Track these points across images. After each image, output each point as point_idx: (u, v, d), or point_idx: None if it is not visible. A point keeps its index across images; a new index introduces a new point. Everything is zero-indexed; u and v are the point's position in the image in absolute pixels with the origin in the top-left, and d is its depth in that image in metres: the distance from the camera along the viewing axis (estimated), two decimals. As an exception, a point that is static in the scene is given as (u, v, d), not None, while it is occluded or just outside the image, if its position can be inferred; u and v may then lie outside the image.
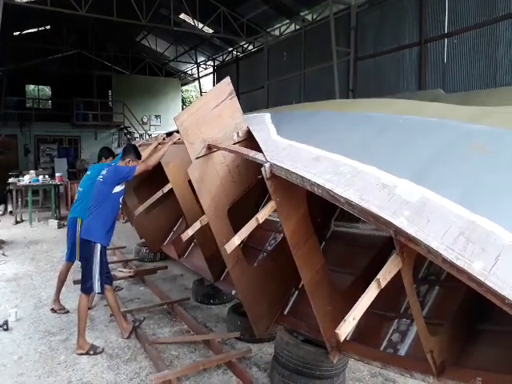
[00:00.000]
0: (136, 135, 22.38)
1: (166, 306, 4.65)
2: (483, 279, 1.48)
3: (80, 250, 4.06)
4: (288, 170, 2.36)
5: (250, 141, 3.22)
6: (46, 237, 8.46)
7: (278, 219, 4.66)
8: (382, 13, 12.29)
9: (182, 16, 18.53)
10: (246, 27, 17.34)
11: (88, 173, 4.77)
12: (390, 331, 2.86)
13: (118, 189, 3.82)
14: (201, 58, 23.81)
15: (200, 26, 17.98)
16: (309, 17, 15.69)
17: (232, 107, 3.33)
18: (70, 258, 4.65)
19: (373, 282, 1.93)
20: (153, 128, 23.83)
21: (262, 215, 2.62)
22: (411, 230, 1.71)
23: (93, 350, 3.66)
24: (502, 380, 1.98)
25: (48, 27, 20.24)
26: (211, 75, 24.33)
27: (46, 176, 11.13)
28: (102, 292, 3.82)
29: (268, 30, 17.88)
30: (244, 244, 4.30)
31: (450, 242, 1.63)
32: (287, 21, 16.77)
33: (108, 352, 3.68)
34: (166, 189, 4.85)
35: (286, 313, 3.53)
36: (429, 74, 11.01)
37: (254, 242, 4.45)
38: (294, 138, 2.94)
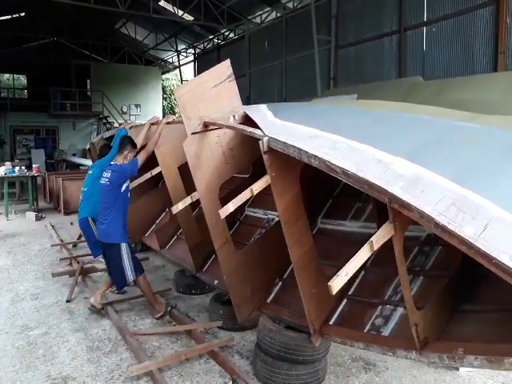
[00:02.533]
0: (116, 125, 21.97)
1: (148, 297, 4.60)
2: (473, 241, 1.58)
3: (106, 254, 4.14)
4: (285, 143, 2.44)
5: (246, 125, 3.22)
6: (23, 230, 8.28)
7: (263, 216, 4.72)
8: (362, 1, 12.28)
9: (162, 3, 18.16)
10: (226, 14, 17.10)
11: (90, 172, 4.85)
12: (374, 316, 2.90)
13: (125, 186, 3.93)
14: (181, 46, 23.44)
15: (180, 13, 17.65)
16: (290, 4, 15.56)
17: (230, 90, 3.37)
18: (97, 254, 4.77)
19: (366, 244, 2.02)
20: (133, 117, 23.42)
21: (257, 187, 2.71)
22: (405, 197, 1.81)
23: (170, 307, 4.14)
24: (482, 348, 2.02)
25: (22, 14, 19.56)
26: (192, 63, 24.00)
27: (23, 167, 10.85)
28: (135, 280, 4.05)
29: (249, 17, 17.69)
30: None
31: (442, 210, 1.72)
32: (268, 8, 16.61)
33: (88, 345, 3.63)
34: (154, 171, 4.80)
35: (268, 301, 3.55)
36: (408, 62, 11.09)
37: (241, 237, 4.48)
38: (291, 121, 2.99)
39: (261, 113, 3.20)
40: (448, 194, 1.82)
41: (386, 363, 3.34)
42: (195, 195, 3.46)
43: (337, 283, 2.00)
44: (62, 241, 7.20)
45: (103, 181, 3.96)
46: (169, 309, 4.17)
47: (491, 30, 9.26)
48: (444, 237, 1.68)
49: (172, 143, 4.41)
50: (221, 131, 3.30)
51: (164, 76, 29.04)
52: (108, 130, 21.58)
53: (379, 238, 2.05)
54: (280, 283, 3.63)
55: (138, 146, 4.24)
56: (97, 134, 21.83)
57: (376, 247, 2.04)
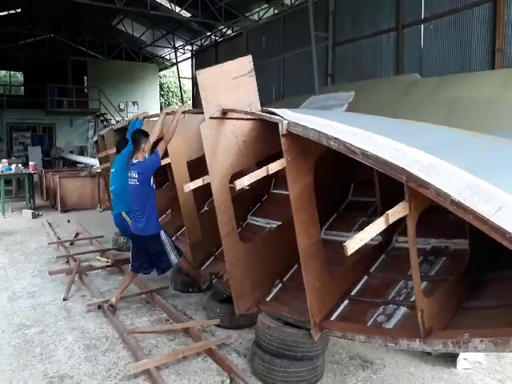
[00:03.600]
0: (113, 122, 21.89)
1: (145, 295, 4.60)
2: (488, 217, 1.67)
3: (148, 246, 4.20)
4: (305, 127, 2.54)
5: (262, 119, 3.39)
6: (20, 227, 8.24)
7: (266, 225, 4.75)
8: (360, -2, 12.24)
9: (159, -1, 18.06)
10: (224, 11, 17.02)
11: (112, 170, 4.84)
12: (376, 314, 2.91)
13: (152, 179, 4.07)
14: (179, 43, 23.33)
15: (177, 9, 17.57)
16: (287, 1, 15.50)
17: (249, 85, 3.44)
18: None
19: (382, 216, 2.08)
20: (130, 114, 23.33)
21: (273, 167, 2.81)
22: (422, 176, 1.92)
23: (213, 275, 4.28)
24: (488, 332, 2.02)
25: (19, 10, 19.42)
26: (189, 60, 23.91)
27: (19, 165, 10.79)
28: (179, 262, 4.27)
29: (247, 14, 17.61)
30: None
31: (458, 191, 1.81)
32: (266, 5, 16.54)
33: (85, 343, 3.62)
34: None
35: (267, 300, 3.56)
36: (406, 59, 11.07)
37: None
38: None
39: (278, 110, 3.24)
40: (463, 180, 1.92)
41: (384, 361, 3.34)
42: (207, 178, 3.49)
43: (352, 245, 2.03)
44: (59, 239, 7.17)
45: (132, 182, 4.04)
46: (213, 277, 4.31)
47: (488, 27, 9.24)
48: (459, 213, 1.76)
49: (183, 137, 4.43)
50: (237, 122, 3.36)
51: (161, 73, 28.94)
52: (105, 127, 21.50)
53: (395, 212, 2.09)
54: (280, 285, 3.63)
55: (155, 137, 4.28)
56: (94, 131, 21.74)
57: (391, 220, 2.08)
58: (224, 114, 3.28)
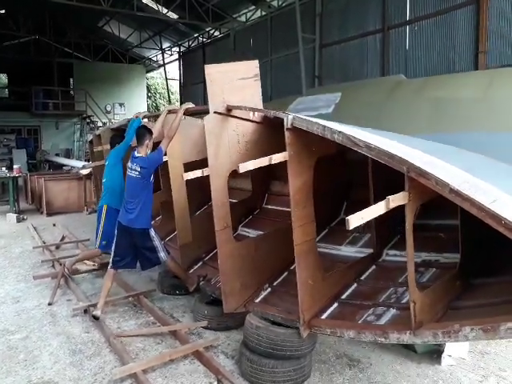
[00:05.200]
0: (99, 124, 21.69)
1: (132, 298, 4.57)
2: (485, 204, 1.76)
3: (137, 240, 4.18)
4: (309, 121, 2.67)
5: (265, 124, 3.54)
6: (3, 232, 8.11)
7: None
8: (346, 0, 12.34)
9: (146, 0, 17.96)
10: (211, 13, 17.01)
11: (106, 163, 4.93)
12: (366, 314, 2.95)
13: (152, 175, 4.11)
14: (166, 44, 23.24)
15: (164, 11, 17.50)
16: (275, 3, 15.56)
17: (254, 88, 3.54)
18: (106, 249, 4.83)
19: (384, 201, 2.16)
20: (117, 116, 23.15)
21: (276, 158, 2.88)
22: (423, 167, 2.04)
23: (201, 277, 4.27)
24: (477, 322, 2.06)
25: (3, 11, 19.12)
26: (177, 62, 23.82)
27: (4, 168, 10.63)
28: (167, 259, 4.25)
29: (234, 15, 17.62)
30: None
31: (457, 183, 1.92)
32: (253, 7, 16.57)
33: (70, 348, 3.58)
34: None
35: (256, 301, 3.56)
36: (392, 61, 11.20)
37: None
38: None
39: (328, 122, 3.37)
40: (460, 175, 2.06)
41: (370, 359, 3.36)
42: (206, 170, 3.53)
43: (353, 220, 2.09)
44: (44, 243, 7.07)
45: (132, 173, 4.05)
46: (201, 279, 4.29)
47: (472, 29, 9.40)
48: (456, 201, 1.87)
49: (182, 139, 4.46)
50: (240, 122, 3.45)
51: (148, 74, 28.79)
52: (92, 129, 21.31)
53: (395, 199, 2.17)
54: (269, 289, 3.63)
55: (156, 134, 4.31)
56: (80, 134, 21.55)
57: (391, 206, 2.15)
58: (228, 111, 3.37)
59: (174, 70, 26.02)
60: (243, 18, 17.47)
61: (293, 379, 2.95)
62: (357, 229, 4.08)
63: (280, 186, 5.27)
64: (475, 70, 9.11)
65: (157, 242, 4.18)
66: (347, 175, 4.37)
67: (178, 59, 23.50)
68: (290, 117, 2.77)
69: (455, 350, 3.28)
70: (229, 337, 3.76)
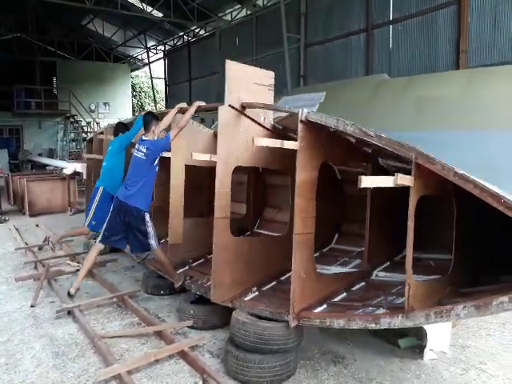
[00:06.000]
0: (83, 123, 21.42)
1: (116, 298, 4.52)
2: (486, 185, 1.97)
3: (131, 220, 4.21)
4: (324, 115, 2.85)
5: (275, 132, 3.78)
6: (-15, 233, 7.95)
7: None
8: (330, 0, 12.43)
9: (130, -1, 17.82)
10: (196, 11, 16.95)
11: (109, 148, 5.15)
12: (356, 312, 2.99)
13: (157, 161, 4.17)
14: (151, 43, 23.08)
15: (149, 9, 17.37)
16: (260, 2, 15.58)
17: (267, 97, 3.71)
18: (94, 229, 5.04)
19: (393, 176, 2.33)
20: (101, 116, 22.92)
21: (287, 144, 3.04)
22: (430, 154, 2.24)
23: (188, 276, 4.25)
24: (469, 301, 2.13)
25: (-19, 8, 18.72)
26: (162, 60, 23.67)
27: (-15, 169, 10.42)
28: (157, 247, 4.23)
29: (219, 14, 17.59)
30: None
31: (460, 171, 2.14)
32: (238, 6, 16.58)
33: (53, 350, 3.52)
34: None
35: (243, 299, 3.57)
36: (375, 60, 11.32)
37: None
38: None
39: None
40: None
41: (355, 355, 3.40)
42: (214, 157, 3.71)
43: (366, 180, 2.29)
44: (26, 244, 6.95)
45: (138, 154, 4.15)
46: (187, 278, 4.27)
47: (453, 29, 9.57)
48: (460, 183, 2.09)
49: (187, 141, 4.54)
50: (251, 124, 3.64)
51: (133, 73, 28.55)
52: (76, 128, 21.06)
53: (403, 178, 2.33)
54: (257, 292, 3.64)
55: (163, 127, 4.38)
56: (64, 133, 21.24)
57: (399, 182, 2.31)
58: (242, 109, 3.54)
59: (159, 68, 25.85)
60: (228, 17, 17.45)
61: (278, 375, 2.97)
62: (347, 253, 4.31)
63: (273, 213, 5.44)
64: (457, 69, 9.27)
65: (150, 229, 4.19)
66: (341, 209, 4.58)
67: (163, 58, 23.37)
68: (306, 110, 2.95)
69: (437, 345, 3.34)
70: (215, 336, 3.75)
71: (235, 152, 3.56)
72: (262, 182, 5.63)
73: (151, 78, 24.55)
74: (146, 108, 29.04)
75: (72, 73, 22.31)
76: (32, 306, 4.37)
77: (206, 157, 4.13)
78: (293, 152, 2.98)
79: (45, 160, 16.57)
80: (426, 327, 3.25)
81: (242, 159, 3.65)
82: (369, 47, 11.41)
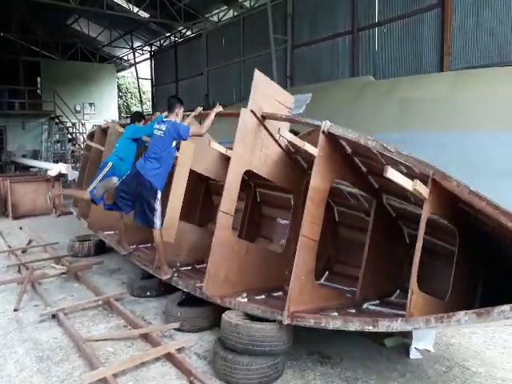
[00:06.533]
0: (69, 124, 21.13)
1: (102, 301, 4.47)
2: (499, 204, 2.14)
3: (143, 191, 4.22)
4: (344, 128, 3.02)
5: (288, 149, 4.00)
6: (-33, 236, 7.78)
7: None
8: (317, 1, 12.52)
9: (116, -1, 17.67)
10: (183, 12, 16.90)
11: (124, 132, 5.35)
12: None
13: (174, 143, 4.22)
14: (137, 43, 22.92)
15: (135, 9, 17.25)
16: (247, 3, 15.60)
17: (285, 119, 3.85)
18: (94, 198, 5.06)
19: (412, 181, 2.44)
20: (87, 116, 22.66)
21: (307, 147, 3.24)
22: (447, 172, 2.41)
23: (177, 273, 4.27)
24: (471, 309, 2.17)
25: (-37, 7, 18.34)
26: (148, 61, 23.52)
27: (-34, 170, 10.20)
28: (159, 229, 4.22)
29: (206, 15, 17.56)
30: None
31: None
32: (225, 7, 16.57)
33: (37, 355, 3.47)
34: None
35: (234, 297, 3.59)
36: (361, 61, 11.43)
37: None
38: None
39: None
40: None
41: (341, 355, 3.42)
42: (230, 152, 4.05)
43: (390, 171, 2.40)
44: (9, 247, 6.83)
45: (157, 132, 4.25)
46: (175, 275, 4.27)
47: (437, 32, 9.71)
48: (474, 201, 2.24)
49: (198, 149, 4.61)
50: (267, 136, 3.82)
51: (119, 74, 28.31)
52: (61, 129, 20.75)
53: (420, 186, 2.44)
54: (246, 299, 3.62)
55: None
56: (48, 134, 20.92)
57: (417, 187, 2.42)
58: (263, 119, 3.71)
59: (145, 69, 25.67)
60: (215, 18, 17.43)
61: (267, 376, 2.97)
62: (342, 281, 4.33)
63: (264, 244, 5.33)
64: (440, 71, 9.41)
65: (158, 207, 4.20)
66: (335, 250, 4.68)
67: (150, 58, 23.23)
68: (328, 123, 3.13)
69: (422, 343, 3.38)
70: (202, 338, 3.74)
71: (249, 155, 3.70)
72: (259, 212, 5.62)
73: (137, 78, 24.39)
74: (132, 109, 28.81)
75: (57, 73, 22.00)
76: (15, 310, 4.30)
77: (222, 149, 4.34)
78: (302, 173, 3.26)
79: (29, 161, 16.31)
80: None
81: (254, 165, 3.80)
82: (354, 49, 11.51)
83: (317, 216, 3.21)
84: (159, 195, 4.20)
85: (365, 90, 6.74)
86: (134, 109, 26.60)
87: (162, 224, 4.24)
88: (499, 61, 8.61)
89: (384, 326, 2.53)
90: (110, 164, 5.13)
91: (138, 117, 5.49)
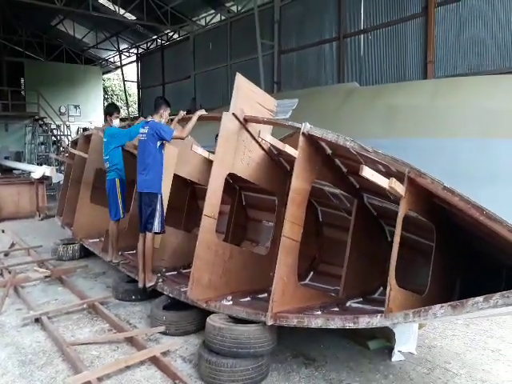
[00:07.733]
0: (53, 126, 20.84)
1: (86, 305, 4.43)
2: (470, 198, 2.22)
3: (142, 201, 4.27)
4: (324, 130, 3.06)
5: (271, 150, 4.01)
6: None
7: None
8: (304, 8, 12.65)
9: (102, 0, 17.55)
10: (170, 15, 16.88)
11: (105, 140, 5.16)
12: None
13: (159, 143, 4.17)
14: (123, 46, 22.78)
15: (121, 11, 17.16)
16: (234, 8, 15.68)
17: (267, 122, 3.87)
18: (117, 217, 5.05)
19: (388, 179, 2.49)
20: (71, 118, 22.39)
21: (289, 149, 3.28)
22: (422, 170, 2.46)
23: (162, 278, 4.24)
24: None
25: None
26: (135, 63, 23.40)
27: None
28: (162, 231, 4.27)
29: (193, 19, 17.58)
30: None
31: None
32: (213, 11, 16.61)
33: (20, 359, 3.42)
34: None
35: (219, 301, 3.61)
36: (347, 68, 11.59)
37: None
38: None
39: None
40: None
41: (325, 357, 3.46)
42: (212, 156, 4.02)
43: (366, 170, 2.43)
44: (-9, 250, 6.71)
45: (141, 137, 4.23)
46: (160, 280, 4.25)
47: (421, 40, 9.93)
48: (447, 196, 2.30)
49: (181, 153, 4.67)
50: (249, 138, 3.83)
51: (105, 76, 28.09)
52: (45, 131, 20.46)
53: (396, 184, 2.49)
54: (231, 302, 3.64)
55: None
56: (32, 136, 20.59)
57: (392, 185, 2.47)
58: (245, 122, 3.73)
59: (131, 71, 25.53)
60: (203, 22, 17.46)
61: (251, 378, 2.99)
62: (326, 281, 4.38)
63: (250, 247, 5.33)
64: (424, 78, 9.61)
65: (158, 212, 4.18)
66: (319, 249, 4.72)
67: (136, 61, 23.11)
68: (308, 125, 3.16)
69: (405, 346, 3.44)
70: (187, 341, 3.74)
71: (231, 158, 3.71)
72: (244, 215, 5.64)
73: (124, 81, 24.22)
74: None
75: (41, 74, 21.70)
76: (-3, 314, 4.23)
77: (205, 153, 4.34)
78: (285, 175, 3.26)
79: (12, 163, 16.02)
80: (395, 329, 3.35)
81: (237, 168, 3.81)
82: (340, 55, 11.67)
83: (298, 216, 3.25)
84: (159, 197, 4.22)
85: (350, 96, 6.85)
86: (121, 112, 26.33)
87: (161, 228, 4.24)
88: (479, 69, 8.85)
89: (364, 322, 2.59)
90: (117, 181, 5.06)
91: (113, 108, 5.40)
